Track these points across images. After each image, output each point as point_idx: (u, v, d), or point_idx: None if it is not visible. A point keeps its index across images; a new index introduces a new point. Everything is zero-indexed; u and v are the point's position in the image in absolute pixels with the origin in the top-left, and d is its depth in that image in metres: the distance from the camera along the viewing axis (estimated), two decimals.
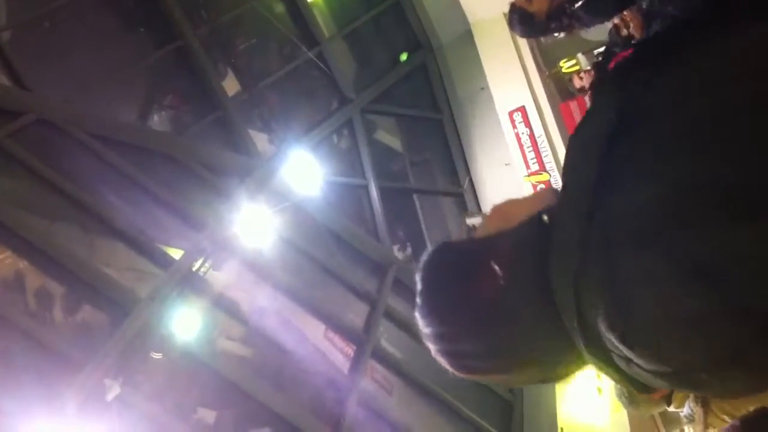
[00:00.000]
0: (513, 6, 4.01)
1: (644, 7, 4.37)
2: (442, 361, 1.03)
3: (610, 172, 0.81)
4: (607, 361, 0.85)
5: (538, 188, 8.27)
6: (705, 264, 0.70)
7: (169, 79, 7.20)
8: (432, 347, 1.03)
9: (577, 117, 8.21)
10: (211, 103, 7.03)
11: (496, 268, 0.96)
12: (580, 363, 0.97)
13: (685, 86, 0.82)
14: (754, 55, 0.80)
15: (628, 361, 0.81)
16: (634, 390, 0.90)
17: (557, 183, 8.06)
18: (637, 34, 4.46)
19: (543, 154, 8.42)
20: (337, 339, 6.20)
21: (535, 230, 0.95)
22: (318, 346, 6.11)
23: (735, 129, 0.74)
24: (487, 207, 7.02)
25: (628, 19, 4.79)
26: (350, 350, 6.13)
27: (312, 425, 5.06)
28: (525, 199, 1.08)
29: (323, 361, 5.94)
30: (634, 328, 0.77)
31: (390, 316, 6.77)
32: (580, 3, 3.69)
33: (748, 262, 0.69)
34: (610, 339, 0.80)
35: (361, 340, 6.16)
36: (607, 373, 0.88)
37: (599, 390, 5.76)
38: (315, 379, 5.57)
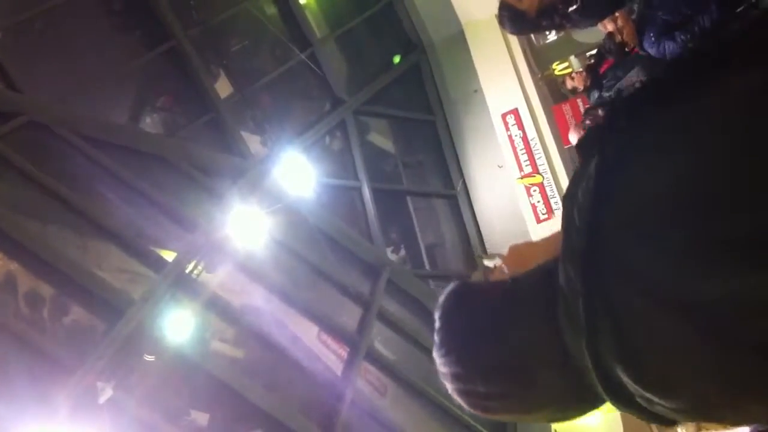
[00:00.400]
0: (502, 3, 4.00)
1: (635, 12, 4.41)
2: (458, 400, 1.05)
3: (601, 229, 0.83)
4: (628, 402, 0.87)
5: (531, 190, 8.30)
6: (713, 310, 0.72)
7: (161, 80, 7.18)
8: (449, 386, 1.05)
9: (570, 119, 8.24)
10: (204, 105, 7.02)
11: (513, 313, 0.98)
12: (595, 404, 0.99)
13: (658, 153, 0.83)
14: (742, 106, 0.81)
15: (650, 401, 0.83)
16: (659, 424, 0.92)
17: (549, 186, 8.12)
18: (630, 42, 4.49)
19: (536, 157, 8.44)
20: (330, 341, 6.19)
21: (550, 278, 0.96)
22: (311, 347, 6.10)
23: (723, 187, 0.75)
24: (480, 209, 7.07)
25: (621, 26, 4.82)
26: (343, 352, 6.13)
27: (305, 427, 5.05)
28: (541, 243, 1.11)
29: (316, 362, 5.93)
30: (651, 374, 0.80)
31: (383, 317, 6.77)
32: (574, 7, 3.70)
33: (756, 307, 0.71)
34: (630, 383, 0.82)
35: (354, 342, 6.16)
36: (630, 413, 0.89)
37: None
38: (308, 381, 5.57)
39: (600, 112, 4.98)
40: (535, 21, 3.90)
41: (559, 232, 1.09)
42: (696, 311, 0.73)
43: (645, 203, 0.80)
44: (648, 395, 0.82)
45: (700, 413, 0.84)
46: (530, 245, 1.11)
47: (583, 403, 1.00)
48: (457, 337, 1.05)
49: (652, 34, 4.37)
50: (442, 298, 1.10)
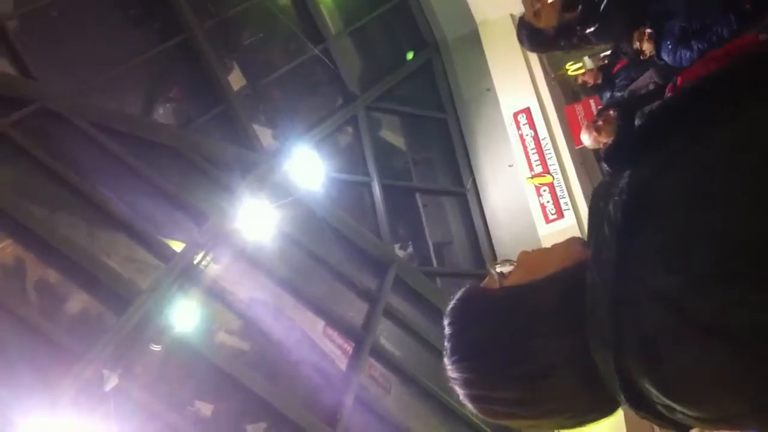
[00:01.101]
0: (521, 21, 4.04)
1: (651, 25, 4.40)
2: (469, 406, 1.05)
3: (631, 246, 0.83)
4: (648, 409, 0.87)
5: (541, 190, 8.27)
6: (740, 327, 0.74)
7: (174, 71, 7.20)
8: (460, 391, 1.05)
9: (582, 120, 8.20)
10: (216, 97, 7.03)
11: (532, 320, 0.98)
12: (610, 411, 1.00)
13: (692, 178, 0.82)
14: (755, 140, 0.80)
15: (672, 409, 0.84)
16: (677, 430, 0.92)
17: (560, 186, 8.09)
18: (647, 50, 4.47)
19: (547, 157, 8.41)
20: (336, 335, 6.20)
21: (566, 287, 0.97)
22: (317, 342, 6.11)
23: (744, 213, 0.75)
24: (489, 208, 7.05)
25: (638, 37, 4.80)
26: (349, 347, 6.13)
27: (309, 421, 5.07)
28: (554, 249, 1.10)
29: (322, 357, 5.94)
30: (678, 389, 0.81)
31: (389, 314, 6.77)
32: (592, 29, 3.70)
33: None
34: (653, 392, 0.83)
35: (360, 337, 6.16)
36: (647, 419, 0.90)
37: None
38: (313, 375, 5.57)
39: (612, 112, 4.95)
40: (552, 39, 3.92)
41: (570, 240, 1.08)
42: (725, 332, 0.74)
43: (680, 225, 0.79)
44: (673, 405, 0.83)
45: (725, 423, 0.84)
46: (542, 253, 1.11)
47: (596, 411, 1.01)
48: (471, 344, 1.04)
49: (669, 43, 4.35)
50: (453, 304, 1.10)
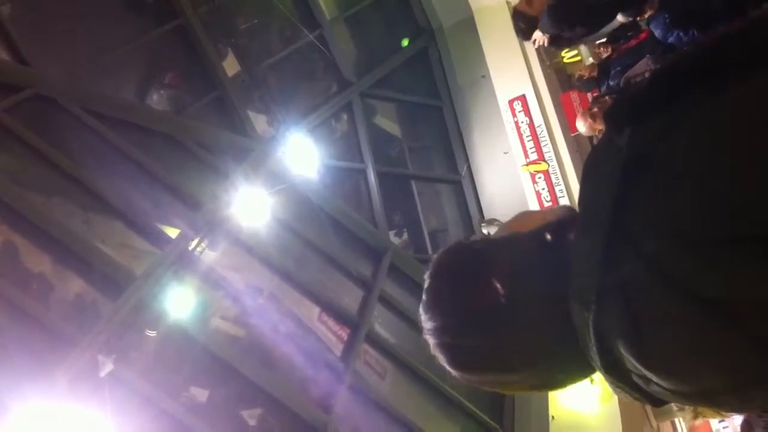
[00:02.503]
0: (516, 13, 4.04)
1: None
2: (441, 356, 1.04)
3: (626, 207, 0.82)
4: (623, 379, 0.87)
5: (536, 177, 8.29)
6: (723, 301, 0.72)
7: (168, 57, 7.16)
8: (432, 341, 1.04)
9: (578, 107, 8.21)
10: (211, 83, 7.00)
11: (513, 267, 0.98)
12: (582, 373, 0.99)
13: (696, 140, 0.80)
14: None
15: (647, 380, 0.83)
16: (650, 404, 0.91)
17: (555, 174, 8.10)
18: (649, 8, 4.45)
19: (542, 144, 8.42)
20: (331, 322, 6.21)
21: (547, 242, 0.97)
22: (312, 328, 6.12)
23: (741, 182, 0.73)
24: (485, 195, 7.06)
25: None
26: (344, 333, 6.15)
27: (304, 406, 5.08)
28: (540, 211, 1.11)
29: (317, 343, 5.95)
30: (656, 357, 0.80)
31: (385, 301, 6.79)
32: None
33: (764, 299, 0.71)
34: (630, 361, 0.82)
35: (355, 324, 6.18)
36: (622, 389, 0.90)
37: (591, 379, 5.78)
38: (308, 361, 5.58)
39: (608, 99, 4.96)
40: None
41: (555, 207, 1.09)
42: (713, 306, 0.73)
43: (680, 187, 0.78)
44: (649, 375, 0.82)
45: (701, 398, 0.83)
46: (528, 213, 1.11)
47: (571, 371, 0.99)
48: (446, 292, 1.04)
49: (667, 17, 4.34)
50: (436, 257, 1.09)
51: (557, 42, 4.02)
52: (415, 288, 7.38)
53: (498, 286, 0.96)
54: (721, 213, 0.73)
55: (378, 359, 6.30)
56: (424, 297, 1.06)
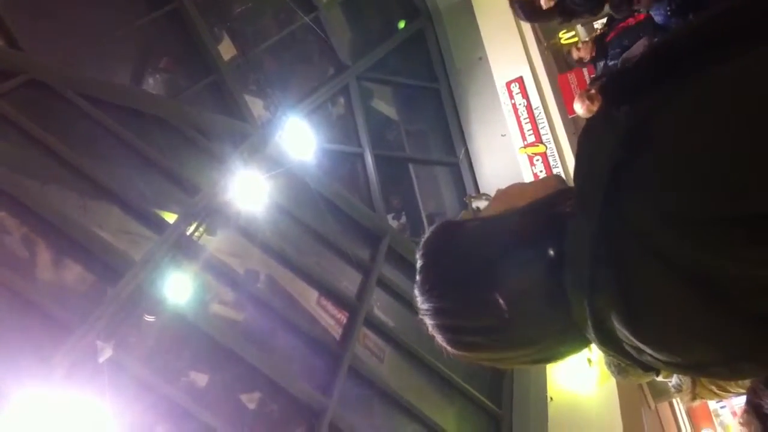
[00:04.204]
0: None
1: None
2: (439, 337, 1.04)
3: (621, 183, 0.81)
4: (616, 348, 0.87)
5: (534, 160, 8.27)
6: (715, 280, 0.73)
7: (163, 41, 7.12)
8: (430, 322, 1.04)
9: (575, 89, 8.18)
10: (206, 67, 6.96)
11: (508, 246, 0.97)
12: (578, 346, 0.99)
13: (694, 115, 0.78)
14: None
15: (640, 351, 0.84)
16: (641, 371, 0.92)
17: (553, 156, 8.09)
18: (645, 4, 4.45)
19: (540, 126, 8.40)
20: (329, 306, 6.22)
21: (540, 218, 0.97)
22: (310, 312, 6.14)
23: (736, 161, 0.72)
24: (482, 178, 7.05)
25: None
26: (343, 317, 6.16)
27: (303, 390, 5.10)
28: (531, 184, 1.11)
29: (315, 327, 5.97)
30: (649, 332, 0.81)
31: (383, 284, 6.80)
32: None
33: (756, 277, 0.72)
34: (623, 332, 0.82)
35: (353, 308, 6.19)
36: (614, 358, 0.91)
37: (589, 361, 5.81)
38: (307, 345, 5.60)
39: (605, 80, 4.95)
40: (546, 10, 3.93)
41: (546, 178, 1.08)
42: (705, 285, 0.73)
43: (670, 167, 0.77)
44: (642, 347, 0.82)
45: (693, 370, 0.85)
46: (518, 187, 1.10)
47: (566, 345, 0.99)
48: (443, 273, 1.03)
49: (668, 8, 4.33)
50: (426, 237, 1.09)
51: (565, 11, 3.99)
52: (413, 272, 7.32)
53: (491, 266, 0.96)
54: (715, 192, 0.72)
55: (377, 342, 6.32)
56: (418, 278, 1.06)
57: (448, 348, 1.04)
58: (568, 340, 0.98)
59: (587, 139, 0.93)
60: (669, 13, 4.36)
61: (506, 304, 0.95)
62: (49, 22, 5.95)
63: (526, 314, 0.96)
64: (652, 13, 4.56)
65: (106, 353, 4.06)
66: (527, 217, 0.99)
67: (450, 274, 1.02)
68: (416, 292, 1.06)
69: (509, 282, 0.95)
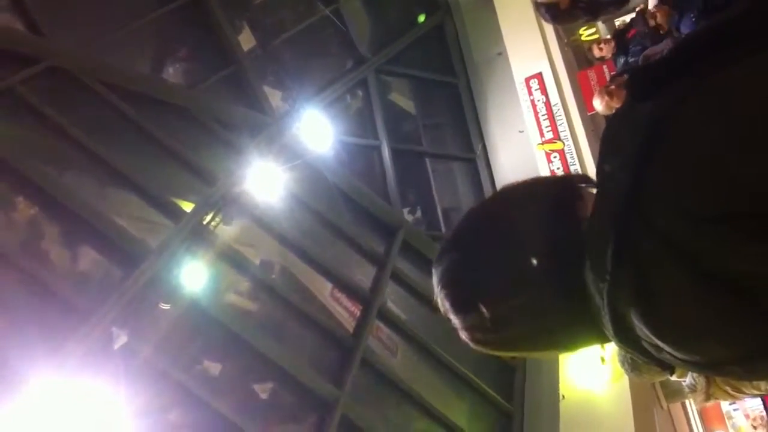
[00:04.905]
0: (535, 2, 4.05)
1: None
2: (465, 336, 1.03)
3: (644, 180, 0.81)
4: (635, 346, 0.87)
5: (552, 157, 8.24)
6: (731, 277, 0.74)
7: (184, 31, 7.14)
8: (455, 319, 1.02)
9: (595, 86, 8.12)
10: (226, 58, 6.97)
11: (524, 236, 0.98)
12: (594, 339, 0.98)
13: (711, 113, 0.79)
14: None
15: (659, 349, 0.84)
16: (658, 368, 0.92)
17: (570, 153, 8.04)
18: (664, 24, 4.43)
19: (558, 123, 8.35)
20: (343, 298, 6.24)
21: (558, 211, 0.96)
22: (324, 304, 6.16)
23: (749, 159, 0.72)
24: (499, 174, 7.02)
25: (656, 10, 4.75)
26: (356, 310, 6.17)
27: (316, 381, 5.12)
28: (553, 179, 1.09)
29: (329, 319, 5.98)
30: (667, 328, 0.81)
31: (397, 278, 6.80)
32: None
33: None
34: (642, 329, 0.83)
35: (367, 300, 6.20)
36: (632, 355, 0.91)
37: (602, 359, 5.79)
38: (320, 336, 5.62)
39: (625, 77, 4.92)
40: (570, 11, 3.93)
41: (564, 174, 1.08)
42: (722, 281, 0.74)
43: (687, 164, 0.77)
44: (660, 344, 0.82)
45: (711, 369, 0.86)
46: (543, 180, 1.10)
47: (583, 335, 0.99)
48: (478, 258, 1.02)
49: (692, 15, 4.31)
50: (457, 226, 1.09)
51: (590, 7, 3.98)
52: (427, 266, 7.35)
53: (523, 256, 0.96)
54: (731, 190, 0.73)
55: (389, 335, 6.33)
56: (441, 271, 1.04)
57: (472, 345, 1.04)
58: (585, 332, 0.97)
59: (609, 135, 0.93)
60: (693, 19, 4.35)
61: (525, 291, 0.95)
62: (71, 9, 5.98)
63: (545, 302, 0.95)
64: (681, 29, 4.54)
65: (121, 340, 4.09)
66: (549, 206, 0.99)
67: (473, 267, 1.01)
68: (440, 285, 1.04)
69: (534, 273, 0.95)
